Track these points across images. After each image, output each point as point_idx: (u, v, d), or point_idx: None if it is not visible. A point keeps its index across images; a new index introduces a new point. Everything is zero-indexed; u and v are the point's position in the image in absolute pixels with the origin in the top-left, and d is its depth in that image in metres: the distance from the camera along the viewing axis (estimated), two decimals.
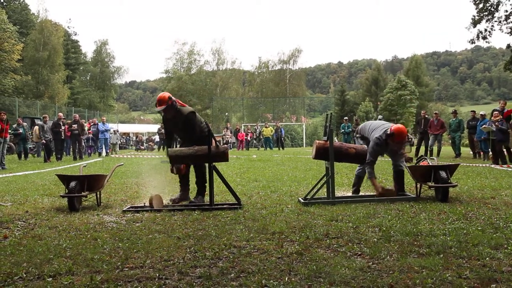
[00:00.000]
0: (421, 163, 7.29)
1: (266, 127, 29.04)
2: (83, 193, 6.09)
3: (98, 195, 6.45)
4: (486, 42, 23.51)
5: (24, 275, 3.31)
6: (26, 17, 48.67)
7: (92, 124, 22.64)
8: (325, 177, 6.62)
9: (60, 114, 18.97)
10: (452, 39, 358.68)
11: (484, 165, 12.61)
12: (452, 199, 6.38)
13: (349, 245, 3.96)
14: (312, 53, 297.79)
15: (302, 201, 6.29)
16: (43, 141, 17.34)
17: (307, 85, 76.71)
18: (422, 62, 72.12)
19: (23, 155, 18.37)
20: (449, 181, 6.27)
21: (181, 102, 6.60)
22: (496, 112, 13.64)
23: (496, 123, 13.02)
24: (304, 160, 15.57)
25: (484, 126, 14.20)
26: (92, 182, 6.27)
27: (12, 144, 20.42)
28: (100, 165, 14.31)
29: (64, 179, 6.20)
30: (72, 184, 6.01)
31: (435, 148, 17.46)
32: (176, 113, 6.43)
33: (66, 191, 6.04)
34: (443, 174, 6.25)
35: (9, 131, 15.94)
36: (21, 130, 18.02)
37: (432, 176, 6.35)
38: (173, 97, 6.44)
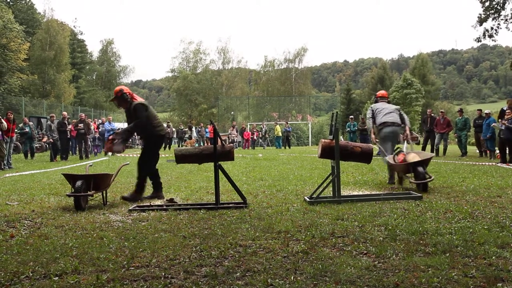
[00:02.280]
0: (399, 156, 7.83)
1: (275, 126, 29.44)
2: (89, 192, 6.12)
3: (104, 194, 6.48)
4: (493, 40, 23.42)
5: (31, 274, 3.33)
6: (32, 16, 48.82)
7: (100, 123, 22.74)
8: (331, 176, 6.61)
9: (65, 113, 18.96)
10: (458, 37, 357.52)
11: (490, 163, 12.55)
12: (458, 197, 6.37)
13: (354, 244, 3.96)
14: (317, 51, 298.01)
15: (308, 200, 6.27)
16: (50, 140, 17.40)
17: (313, 84, 76.66)
18: (428, 61, 71.75)
19: (29, 154, 18.48)
20: (426, 174, 7.10)
21: (135, 96, 6.88)
22: (509, 111, 13.46)
23: (503, 121, 12.89)
24: (310, 159, 15.55)
25: (494, 124, 14.12)
26: (98, 181, 6.30)
27: (19, 144, 20.54)
28: (106, 164, 14.36)
29: (70, 178, 6.22)
30: (78, 183, 6.03)
31: (441, 147, 17.40)
32: (127, 104, 6.79)
33: (72, 190, 6.05)
34: (420, 169, 7.12)
35: (15, 130, 16.02)
36: (27, 129, 18.11)
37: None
38: (127, 90, 6.81)
